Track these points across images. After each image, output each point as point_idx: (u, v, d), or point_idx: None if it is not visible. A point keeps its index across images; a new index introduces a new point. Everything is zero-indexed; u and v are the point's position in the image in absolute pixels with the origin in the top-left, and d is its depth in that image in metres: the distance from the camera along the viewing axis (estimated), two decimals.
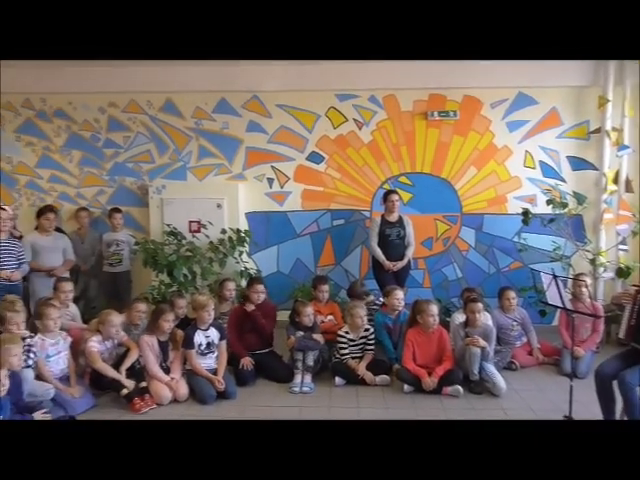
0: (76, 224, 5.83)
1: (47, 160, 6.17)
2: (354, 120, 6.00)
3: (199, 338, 4.05)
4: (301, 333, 4.39)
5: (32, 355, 3.58)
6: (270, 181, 6.08)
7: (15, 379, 3.18)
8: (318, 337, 4.43)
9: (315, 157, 6.05)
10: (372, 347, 4.39)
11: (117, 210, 5.80)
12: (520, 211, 5.61)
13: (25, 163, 6.18)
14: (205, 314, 4.06)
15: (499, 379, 4.01)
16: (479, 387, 4.04)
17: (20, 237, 4.99)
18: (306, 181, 6.07)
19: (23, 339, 3.55)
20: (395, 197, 5.33)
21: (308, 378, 4.19)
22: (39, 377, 3.62)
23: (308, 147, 6.04)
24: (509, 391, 3.99)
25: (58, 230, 5.32)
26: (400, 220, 5.36)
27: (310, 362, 4.24)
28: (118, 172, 6.15)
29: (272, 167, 6.07)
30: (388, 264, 5.22)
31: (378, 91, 5.94)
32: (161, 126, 6.10)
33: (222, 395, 3.92)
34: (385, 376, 4.22)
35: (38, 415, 3.21)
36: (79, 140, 6.15)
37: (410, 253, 5.33)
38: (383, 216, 5.38)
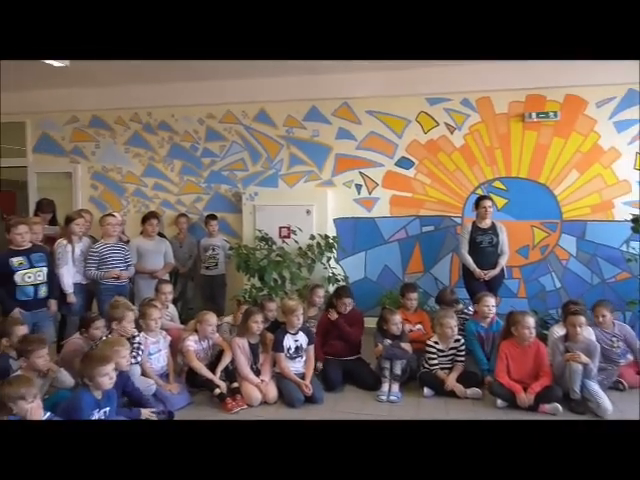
0: (176, 229, 6.20)
1: (152, 169, 6.63)
2: (445, 124, 5.86)
3: (288, 342, 4.14)
4: (389, 341, 4.34)
5: (140, 352, 3.84)
6: (358, 187, 6.09)
7: (124, 374, 3.42)
8: (406, 346, 4.35)
9: (404, 162, 5.97)
10: (463, 358, 4.23)
11: (213, 217, 6.09)
12: (629, 217, 5.16)
13: (133, 173, 6.68)
14: (294, 318, 4.14)
15: (604, 399, 3.69)
16: (581, 407, 3.75)
17: (127, 241, 5.38)
18: (395, 187, 6.01)
19: (132, 337, 3.82)
20: (488, 203, 5.12)
21: (395, 387, 4.13)
22: (142, 373, 3.87)
23: (397, 152, 5.99)
24: (615, 413, 3.67)
25: (160, 235, 5.68)
26: (493, 227, 5.14)
27: (398, 371, 4.18)
28: (214, 180, 6.47)
29: (361, 173, 6.08)
30: (479, 272, 5.02)
31: (471, 94, 5.76)
32: (254, 135, 6.34)
33: (310, 400, 3.96)
34: (476, 389, 4.05)
35: (146, 412, 3.43)
36: (180, 150, 6.54)
37: (503, 261, 5.09)
38: (474, 222, 5.19)
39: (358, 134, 6.07)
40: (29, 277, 4.14)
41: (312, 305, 4.88)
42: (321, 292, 4.94)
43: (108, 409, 3.16)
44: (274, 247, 5.69)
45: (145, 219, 5.45)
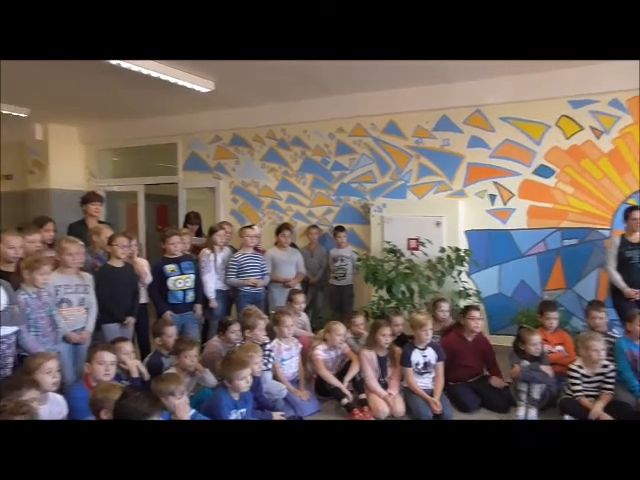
0: (307, 240, 6.43)
1: (285, 183, 6.96)
2: (591, 128, 5.36)
3: (416, 357, 4.06)
4: (527, 363, 4.05)
5: (271, 359, 4.04)
6: (492, 197, 5.81)
7: (255, 379, 3.62)
8: (546, 369, 4.03)
9: (544, 171, 5.57)
10: (612, 386, 3.81)
11: (341, 228, 6.21)
12: None
13: (268, 187, 7.08)
14: (423, 333, 4.05)
15: None
16: None
17: (263, 251, 5.70)
18: (533, 197, 5.63)
19: (264, 344, 4.03)
20: (637, 214, 4.58)
21: (533, 412, 3.84)
22: (274, 377, 4.06)
23: (535, 160, 5.61)
24: None
25: (292, 245, 5.94)
26: None
27: (536, 395, 3.89)
28: (344, 192, 6.60)
29: (495, 183, 5.79)
30: (629, 291, 4.51)
31: (621, 93, 5.20)
32: (383, 147, 6.36)
33: (438, 418, 3.84)
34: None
35: (276, 416, 3.60)
36: (311, 164, 6.79)
37: None
38: (624, 236, 4.67)
39: (492, 142, 5.80)
40: (179, 283, 4.57)
41: (436, 320, 4.73)
42: (445, 306, 4.78)
43: (244, 410, 3.36)
44: (402, 259, 5.63)
45: (279, 230, 5.74)
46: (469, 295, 5.43)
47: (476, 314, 4.37)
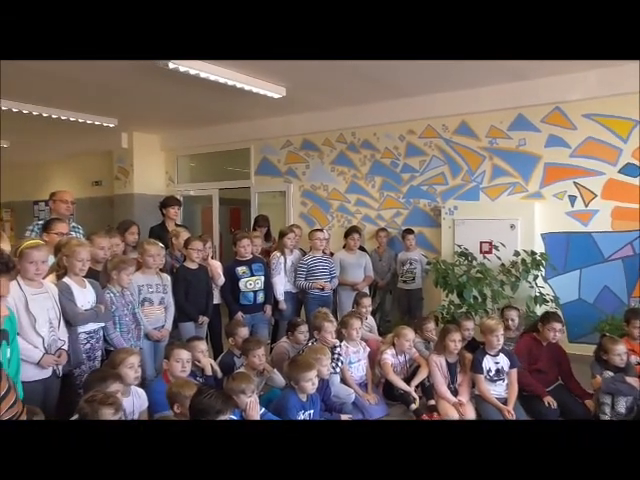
0: (376, 243, 6.41)
1: (354, 186, 6.98)
2: None
3: (488, 363, 3.93)
4: (610, 373, 3.81)
5: (340, 363, 4.06)
6: (572, 199, 5.51)
7: (323, 381, 3.65)
8: (633, 381, 3.76)
9: (632, 169, 5.21)
10: None
11: (410, 231, 6.14)
12: None
13: (337, 190, 7.13)
14: (494, 339, 3.92)
15: None
16: None
17: (331, 254, 5.75)
18: (619, 197, 5.28)
19: (334, 347, 4.06)
20: None
21: None
22: (343, 381, 4.08)
23: (622, 158, 5.25)
24: None
25: (361, 249, 5.94)
26: None
27: (621, 409, 3.64)
28: (413, 195, 6.52)
29: (575, 183, 5.49)
30: None
31: None
32: (455, 148, 6.22)
33: None
34: None
35: (344, 418, 3.63)
36: (380, 167, 6.76)
37: None
38: None
39: (572, 141, 5.50)
40: (250, 284, 4.71)
41: (506, 328, 4.53)
42: (514, 314, 4.57)
43: (312, 412, 3.40)
44: (474, 263, 5.47)
45: (347, 234, 5.76)
46: (546, 301, 5.18)
47: (558, 326, 4.14)
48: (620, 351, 3.79)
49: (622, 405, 3.64)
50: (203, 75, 5.03)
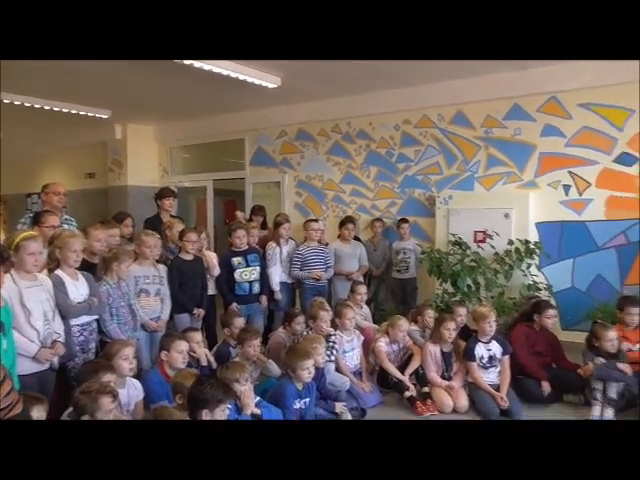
0: (370, 233, 6.42)
1: (349, 176, 6.98)
2: None
3: (480, 351, 3.97)
4: (602, 360, 3.86)
5: (334, 351, 4.09)
6: (566, 188, 5.53)
7: (319, 369, 3.68)
8: (624, 367, 3.81)
9: (626, 159, 5.22)
10: None
11: (405, 220, 6.16)
12: None
13: (332, 180, 7.12)
14: (486, 326, 3.97)
15: None
16: None
17: (326, 244, 5.76)
18: (613, 187, 5.29)
19: (329, 336, 4.09)
20: None
21: (609, 412, 3.65)
22: (337, 369, 4.11)
23: (617, 148, 5.25)
24: None
25: (356, 239, 5.95)
26: None
27: (613, 395, 3.69)
28: (408, 184, 6.52)
29: (569, 172, 5.51)
30: None
31: None
32: (450, 138, 6.22)
33: (505, 413, 3.75)
34: None
35: (339, 406, 3.66)
36: (376, 157, 6.75)
37: None
38: None
39: (568, 130, 5.50)
40: (245, 275, 4.73)
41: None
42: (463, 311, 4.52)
43: (308, 400, 3.44)
44: (468, 252, 5.50)
45: (342, 224, 5.78)
46: (539, 289, 5.22)
47: (552, 312, 4.20)
48: (611, 337, 3.84)
49: (613, 391, 3.69)
50: (197, 65, 5.00)
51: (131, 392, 3.11)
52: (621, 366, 3.80)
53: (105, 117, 7.48)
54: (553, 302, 4.61)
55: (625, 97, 5.16)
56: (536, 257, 5.40)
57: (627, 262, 5.23)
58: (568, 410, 3.91)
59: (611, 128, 5.29)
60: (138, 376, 3.36)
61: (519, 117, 5.76)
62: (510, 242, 5.40)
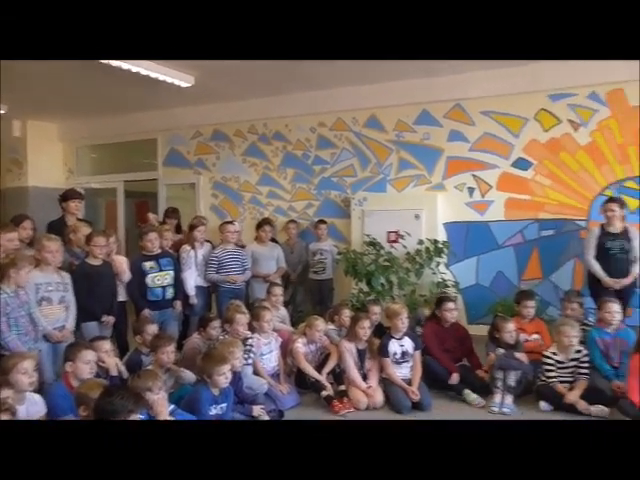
0: (286, 235, 6.44)
1: (266, 178, 6.96)
2: (569, 121, 5.43)
3: (393, 347, 4.12)
4: (502, 350, 4.14)
5: (252, 354, 4.06)
6: (471, 190, 5.88)
7: (236, 374, 3.64)
8: (521, 356, 4.12)
9: (522, 163, 5.65)
10: (586, 372, 3.91)
11: (322, 222, 6.24)
12: None
13: (249, 181, 7.07)
14: (399, 322, 4.11)
15: None
16: None
17: (243, 246, 5.71)
18: (510, 189, 5.71)
19: (246, 339, 4.05)
20: (614, 206, 4.66)
21: (509, 399, 3.92)
22: (255, 372, 4.08)
23: (514, 153, 5.67)
24: None
25: (273, 240, 5.95)
26: (625, 231, 4.67)
27: (512, 382, 3.97)
28: (324, 186, 6.62)
29: (473, 176, 5.86)
30: (609, 280, 4.60)
31: (600, 86, 5.26)
32: (364, 141, 6.39)
33: (417, 406, 3.91)
34: (603, 407, 3.70)
35: (257, 409, 3.63)
36: (292, 159, 6.80)
37: (637, 270, 4.61)
38: (603, 226, 4.75)
39: (471, 135, 5.85)
40: (158, 280, 4.57)
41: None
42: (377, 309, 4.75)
43: (225, 405, 3.39)
44: (382, 252, 5.68)
45: (259, 226, 5.76)
46: (447, 286, 5.51)
47: (451, 305, 4.44)
48: (509, 329, 4.13)
49: (512, 379, 3.96)
50: (104, 61, 4.75)
51: (31, 409, 2.90)
52: (518, 355, 4.10)
53: (1, 112, 6.91)
54: (459, 298, 4.86)
55: (521, 106, 5.59)
56: (444, 256, 5.69)
57: (524, 259, 5.66)
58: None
59: (508, 135, 5.69)
60: (40, 390, 3.14)
61: (428, 122, 6.04)
62: (420, 242, 5.65)
